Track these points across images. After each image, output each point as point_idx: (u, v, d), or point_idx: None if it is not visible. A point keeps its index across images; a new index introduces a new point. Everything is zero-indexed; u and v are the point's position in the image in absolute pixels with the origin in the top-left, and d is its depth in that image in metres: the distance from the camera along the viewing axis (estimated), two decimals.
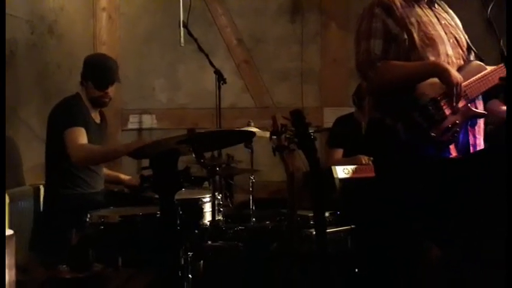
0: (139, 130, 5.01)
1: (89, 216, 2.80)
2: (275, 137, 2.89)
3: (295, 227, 2.70)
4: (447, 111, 2.46)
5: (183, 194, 2.91)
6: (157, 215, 2.57)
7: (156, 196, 2.71)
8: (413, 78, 2.49)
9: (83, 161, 3.40)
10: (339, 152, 4.24)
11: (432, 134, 2.43)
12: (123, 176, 3.89)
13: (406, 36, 2.52)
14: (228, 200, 3.28)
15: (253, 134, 2.99)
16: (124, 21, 4.97)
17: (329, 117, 4.87)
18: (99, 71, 3.60)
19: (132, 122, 5.02)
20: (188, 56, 4.83)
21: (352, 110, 4.43)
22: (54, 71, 4.38)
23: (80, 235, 2.92)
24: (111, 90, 3.62)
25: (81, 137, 3.38)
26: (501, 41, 2.44)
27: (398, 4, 2.59)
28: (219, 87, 3.94)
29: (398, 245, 2.63)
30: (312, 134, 2.73)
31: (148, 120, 5.02)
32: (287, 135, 2.84)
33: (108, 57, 3.83)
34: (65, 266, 2.67)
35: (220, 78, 3.89)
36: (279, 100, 4.99)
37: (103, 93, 3.59)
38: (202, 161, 2.80)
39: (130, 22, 4.98)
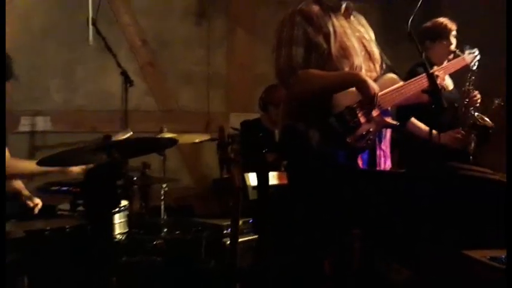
0: (32, 133, 4.65)
1: None
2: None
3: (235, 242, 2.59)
4: (362, 119, 2.52)
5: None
6: (67, 229, 2.34)
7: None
8: (332, 87, 2.51)
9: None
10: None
11: (347, 140, 2.47)
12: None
13: (326, 46, 2.54)
14: (144, 210, 3.11)
15: (175, 141, 2.85)
16: (17, 15, 4.59)
17: (235, 123, 4.79)
18: None
19: (24, 125, 4.63)
20: (87, 56, 4.56)
21: (258, 115, 4.43)
22: None
23: None
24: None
25: None
26: (423, 54, 2.51)
27: (317, 13, 2.60)
28: (126, 90, 3.73)
29: (304, 255, 2.64)
30: (264, 148, 2.64)
31: (42, 123, 4.66)
32: (234, 147, 2.74)
33: None
34: None
35: (127, 79, 3.69)
36: (184, 104, 4.86)
37: None
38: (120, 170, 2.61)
39: (23, 16, 4.61)
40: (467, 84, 3.48)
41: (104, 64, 4.56)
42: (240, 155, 2.64)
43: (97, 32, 3.69)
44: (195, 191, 4.71)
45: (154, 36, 4.79)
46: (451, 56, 3.42)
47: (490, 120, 3.44)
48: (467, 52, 3.17)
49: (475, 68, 3.20)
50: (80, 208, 2.79)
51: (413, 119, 3.43)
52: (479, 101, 3.45)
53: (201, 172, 4.87)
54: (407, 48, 3.23)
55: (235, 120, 4.85)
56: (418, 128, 3.40)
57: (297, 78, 2.51)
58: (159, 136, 3.20)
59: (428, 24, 3.55)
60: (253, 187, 3.53)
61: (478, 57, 3.19)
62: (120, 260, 2.55)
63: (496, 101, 3.51)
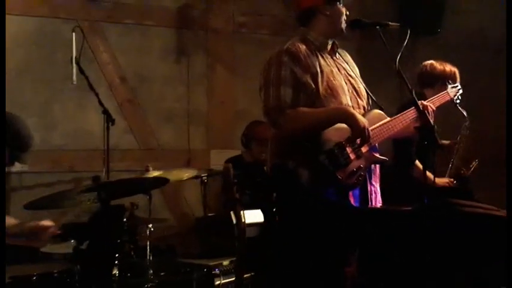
0: (8, 174, 4.52)
1: None
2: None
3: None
4: (352, 156, 2.52)
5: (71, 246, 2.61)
6: (55, 274, 2.25)
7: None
8: (322, 123, 2.52)
9: None
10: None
11: (339, 177, 2.46)
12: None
13: (313, 86, 2.55)
14: (132, 251, 3.02)
15: (166, 180, 2.80)
16: None
17: (216, 160, 4.77)
18: None
19: None
20: (64, 94, 4.50)
21: (239, 151, 4.41)
22: None
23: None
24: None
25: None
26: (413, 91, 2.54)
27: (304, 53, 2.62)
28: (108, 128, 3.68)
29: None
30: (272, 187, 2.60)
31: (18, 163, 4.54)
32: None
33: None
34: None
35: (108, 118, 3.64)
36: (164, 142, 4.80)
37: None
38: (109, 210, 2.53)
39: None
40: (463, 131, 3.63)
41: (82, 103, 4.51)
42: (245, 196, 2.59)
43: (80, 70, 3.65)
44: (176, 230, 4.62)
45: (134, 73, 4.75)
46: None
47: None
48: (449, 87, 3.22)
49: (458, 101, 3.24)
50: (66, 251, 2.69)
51: (417, 163, 3.45)
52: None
53: (182, 210, 4.79)
54: (386, 86, 3.32)
55: (216, 157, 4.83)
56: (422, 173, 3.44)
57: (286, 118, 2.52)
58: (145, 175, 3.14)
59: (441, 68, 3.63)
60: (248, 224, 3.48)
61: (460, 91, 3.24)
62: None
63: (474, 163, 3.69)
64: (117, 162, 4.39)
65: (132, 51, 4.75)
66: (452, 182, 3.57)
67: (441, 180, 3.52)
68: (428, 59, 3.74)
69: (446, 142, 3.58)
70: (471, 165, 3.68)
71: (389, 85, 4.63)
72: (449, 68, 3.63)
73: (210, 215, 4.10)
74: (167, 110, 4.83)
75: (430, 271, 2.00)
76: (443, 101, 3.09)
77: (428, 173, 3.42)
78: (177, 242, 4.40)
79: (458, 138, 3.68)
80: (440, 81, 3.56)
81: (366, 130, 2.50)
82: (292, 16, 5.09)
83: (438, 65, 3.65)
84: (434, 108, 2.74)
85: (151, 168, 3.29)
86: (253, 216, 3.20)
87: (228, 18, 4.98)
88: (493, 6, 5.41)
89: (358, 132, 2.50)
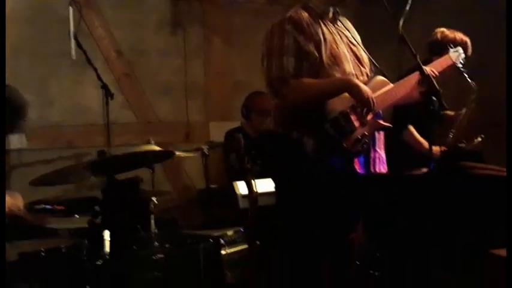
0: (7, 152, 4.51)
1: None
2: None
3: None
4: (356, 124, 2.53)
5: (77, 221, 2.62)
6: (63, 250, 2.25)
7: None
8: (325, 95, 2.51)
9: None
10: None
11: (344, 144, 2.46)
12: None
13: (317, 54, 2.53)
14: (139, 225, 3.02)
15: (172, 153, 2.79)
16: None
17: (215, 132, 4.77)
18: None
19: None
20: (61, 70, 4.46)
21: (238, 123, 4.40)
22: None
23: None
24: None
25: None
26: (417, 56, 2.51)
27: (307, 21, 2.59)
28: (107, 103, 3.65)
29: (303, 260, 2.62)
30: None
31: (17, 140, 4.52)
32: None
33: None
34: None
35: (107, 93, 3.62)
36: (162, 115, 4.78)
37: None
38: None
39: None
40: (468, 103, 3.55)
41: (79, 78, 4.48)
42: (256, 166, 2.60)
43: (78, 45, 3.61)
44: (177, 203, 4.63)
45: (130, 47, 4.71)
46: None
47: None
48: (451, 50, 3.16)
49: (461, 66, 3.19)
50: (70, 226, 2.70)
51: (411, 128, 3.44)
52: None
53: (183, 183, 4.80)
54: (384, 52, 3.28)
55: (215, 129, 4.82)
56: (414, 139, 3.43)
57: (290, 88, 2.50)
58: (149, 149, 3.13)
59: (452, 36, 3.56)
60: (243, 196, 3.50)
61: (462, 55, 3.19)
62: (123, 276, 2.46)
63: (479, 138, 3.59)
64: (116, 136, 4.37)
65: (127, 24, 4.70)
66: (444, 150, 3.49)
67: (434, 149, 3.40)
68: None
69: (450, 112, 3.53)
70: (475, 140, 3.60)
71: (388, 51, 4.60)
72: (459, 36, 3.57)
73: (212, 186, 4.11)
74: (164, 83, 4.80)
75: (438, 236, 2.01)
76: (445, 66, 3.00)
77: (422, 139, 3.44)
78: (179, 214, 4.42)
79: (464, 110, 3.59)
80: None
81: (371, 99, 2.51)
82: None
83: (449, 33, 3.59)
84: (437, 73, 2.71)
85: (152, 142, 3.28)
86: (264, 185, 3.23)
87: None
88: None
89: (363, 102, 2.50)
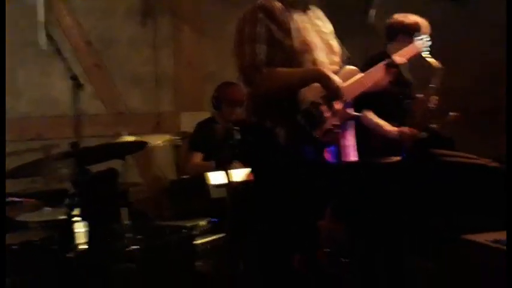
0: None
1: None
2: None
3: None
4: (327, 114, 2.54)
5: (48, 214, 2.58)
6: (36, 243, 2.21)
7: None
8: (297, 84, 2.53)
9: None
10: (198, 156, 4.16)
11: (315, 135, 2.49)
12: None
13: (288, 42, 2.54)
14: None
15: (145, 144, 2.77)
16: None
17: (186, 123, 4.73)
18: None
19: None
20: (29, 61, 4.38)
21: (210, 114, 4.38)
22: None
23: None
24: None
25: None
26: (387, 45, 2.54)
27: (279, 9, 2.60)
28: (77, 94, 3.58)
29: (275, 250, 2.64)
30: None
31: None
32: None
33: None
34: None
35: (77, 84, 3.54)
36: (133, 106, 4.73)
37: None
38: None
39: None
40: (432, 85, 3.41)
41: (47, 69, 4.40)
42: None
43: (48, 35, 3.53)
44: (148, 194, 4.60)
45: (99, 37, 4.63)
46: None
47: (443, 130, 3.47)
48: (416, 39, 3.19)
49: (427, 53, 3.22)
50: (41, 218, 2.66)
51: (368, 112, 3.44)
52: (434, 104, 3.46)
53: (154, 174, 4.77)
54: (351, 40, 3.27)
55: (187, 120, 4.79)
56: (373, 122, 3.41)
57: (262, 76, 2.51)
58: (121, 140, 3.10)
59: (401, 19, 3.52)
60: (215, 186, 3.50)
61: (428, 43, 3.22)
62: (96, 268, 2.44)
63: (451, 114, 3.48)
64: (85, 127, 4.29)
65: (96, 13, 4.62)
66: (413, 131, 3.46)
67: (403, 129, 3.29)
68: (391, 12, 3.67)
69: (420, 95, 3.51)
70: (446, 118, 3.55)
71: (355, 39, 4.63)
72: (409, 19, 3.52)
73: (184, 177, 4.10)
74: (134, 74, 4.74)
75: (410, 223, 2.05)
76: (412, 54, 3.03)
77: (381, 122, 3.40)
78: (150, 206, 4.40)
79: (429, 89, 3.55)
80: (401, 34, 3.47)
81: (340, 89, 2.53)
82: None
83: (399, 17, 3.53)
84: (406, 61, 2.75)
85: (125, 133, 3.24)
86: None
87: None
88: None
89: (333, 93, 2.52)
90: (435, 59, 3.29)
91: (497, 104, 5.63)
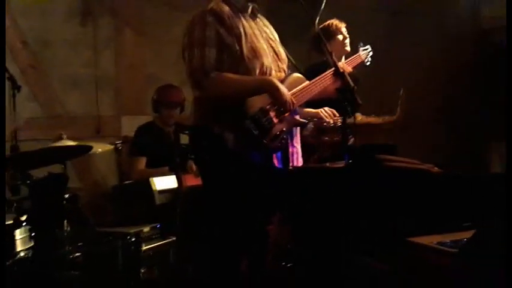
0: None
1: None
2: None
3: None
4: (275, 120, 2.57)
5: None
6: None
7: None
8: (245, 92, 2.55)
9: None
10: (142, 161, 4.11)
11: (264, 140, 2.51)
12: None
13: (237, 47, 2.55)
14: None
15: (90, 147, 2.69)
16: None
17: (127, 126, 4.65)
18: None
19: None
20: None
21: (151, 117, 4.33)
22: None
23: None
24: None
25: None
26: (332, 54, 2.60)
27: (228, 14, 2.60)
28: (14, 96, 3.47)
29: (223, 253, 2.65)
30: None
31: None
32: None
33: None
34: None
35: (14, 85, 3.44)
36: (71, 109, 4.61)
37: None
38: (28, 181, 2.41)
39: None
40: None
41: None
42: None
43: None
44: (88, 199, 4.49)
45: (36, 37, 4.49)
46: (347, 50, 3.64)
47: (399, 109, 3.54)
48: (361, 49, 3.32)
49: (368, 64, 3.34)
50: None
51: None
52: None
53: (93, 179, 4.66)
54: (294, 48, 3.33)
55: (127, 124, 4.71)
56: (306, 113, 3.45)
57: (211, 81, 2.50)
58: (58, 144, 3.00)
59: (321, 27, 3.66)
60: (160, 191, 3.46)
61: (371, 53, 3.35)
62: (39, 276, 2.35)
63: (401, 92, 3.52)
64: (21, 131, 4.17)
65: (33, 14, 4.48)
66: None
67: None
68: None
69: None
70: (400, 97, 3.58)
71: (298, 47, 4.70)
72: (328, 23, 3.70)
73: (126, 182, 4.02)
74: (73, 76, 4.62)
75: (355, 227, 2.09)
76: (355, 64, 3.22)
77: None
78: (91, 212, 4.29)
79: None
80: (321, 40, 3.61)
81: (289, 102, 2.58)
82: None
83: (326, 23, 3.71)
84: (350, 70, 2.83)
85: (65, 137, 3.15)
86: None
87: None
88: None
89: (281, 104, 2.56)
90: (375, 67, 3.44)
91: (435, 110, 5.93)
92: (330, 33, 3.67)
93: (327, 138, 3.22)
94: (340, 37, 3.69)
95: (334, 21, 3.73)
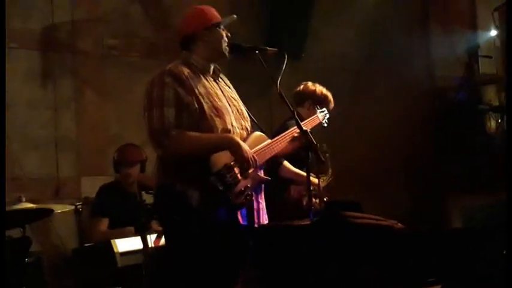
0: None
1: None
2: None
3: None
4: (239, 177, 2.58)
5: None
6: None
7: None
8: (207, 150, 2.56)
9: None
10: (104, 222, 4.02)
11: (229, 196, 2.51)
12: None
13: (197, 106, 2.58)
14: None
15: (51, 210, 2.62)
16: None
17: (87, 187, 4.57)
18: None
19: None
20: None
21: (112, 178, 4.27)
22: None
23: None
24: None
25: None
26: (295, 113, 2.66)
27: (187, 74, 2.65)
28: None
29: None
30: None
31: None
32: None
33: None
34: None
35: None
36: (30, 170, 4.50)
37: None
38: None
39: None
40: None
41: None
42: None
43: None
44: (47, 263, 4.34)
45: None
46: None
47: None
48: (318, 111, 3.43)
49: (326, 125, 3.44)
50: None
51: (285, 163, 3.55)
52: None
53: (52, 242, 4.52)
54: (255, 107, 3.41)
55: (88, 184, 4.63)
56: (292, 171, 3.56)
57: (172, 139, 2.53)
58: (17, 207, 2.92)
59: (313, 88, 3.84)
60: (122, 253, 3.38)
61: (327, 116, 3.46)
62: None
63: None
64: None
65: None
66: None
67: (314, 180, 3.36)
68: (292, 83, 3.91)
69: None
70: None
71: (260, 105, 4.77)
72: (320, 90, 3.86)
73: (86, 245, 3.91)
74: (33, 137, 4.56)
75: (321, 283, 2.08)
76: (314, 124, 3.31)
77: (299, 170, 3.53)
78: (51, 276, 4.14)
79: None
80: (310, 100, 3.79)
81: (251, 159, 2.60)
82: (162, 38, 5.12)
83: (310, 86, 3.88)
84: (308, 130, 2.88)
85: (24, 199, 3.07)
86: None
87: (97, 41, 4.86)
88: (349, 31, 5.83)
89: (243, 162, 2.58)
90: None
91: (396, 165, 6.08)
92: (304, 97, 3.78)
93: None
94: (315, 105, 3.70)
95: (319, 89, 3.86)
